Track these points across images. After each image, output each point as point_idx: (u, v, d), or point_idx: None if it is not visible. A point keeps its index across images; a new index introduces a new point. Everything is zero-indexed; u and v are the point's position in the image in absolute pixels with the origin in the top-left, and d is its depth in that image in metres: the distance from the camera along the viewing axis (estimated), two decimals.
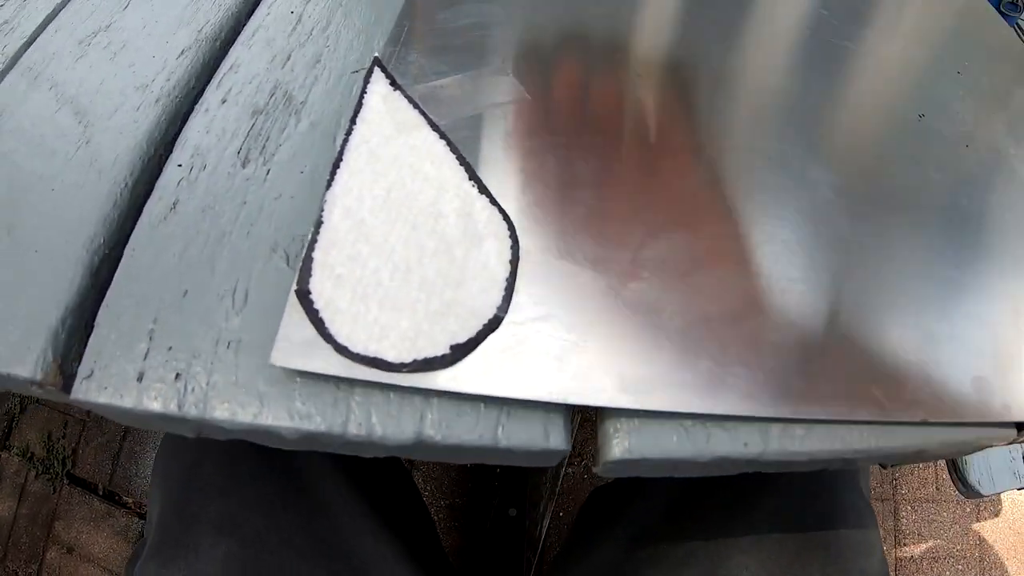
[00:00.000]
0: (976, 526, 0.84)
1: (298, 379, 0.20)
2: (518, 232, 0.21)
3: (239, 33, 0.31)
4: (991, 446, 0.24)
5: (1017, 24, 0.48)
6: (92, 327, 0.24)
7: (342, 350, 0.20)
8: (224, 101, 0.28)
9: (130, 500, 0.85)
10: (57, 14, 0.36)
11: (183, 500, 0.38)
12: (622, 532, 0.43)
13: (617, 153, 0.24)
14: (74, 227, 0.26)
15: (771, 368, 0.21)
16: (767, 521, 0.36)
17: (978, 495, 0.51)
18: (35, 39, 0.35)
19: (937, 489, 0.85)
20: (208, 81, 0.30)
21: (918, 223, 0.25)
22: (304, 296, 0.21)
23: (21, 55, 0.34)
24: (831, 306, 0.22)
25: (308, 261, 0.21)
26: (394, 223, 0.22)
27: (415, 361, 0.19)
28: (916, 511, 0.84)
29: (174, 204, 0.25)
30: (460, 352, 0.19)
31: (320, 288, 0.21)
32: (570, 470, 0.82)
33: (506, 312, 0.20)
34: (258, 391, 0.21)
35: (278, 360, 0.20)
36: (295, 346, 0.20)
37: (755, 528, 0.36)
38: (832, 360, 0.21)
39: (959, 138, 0.28)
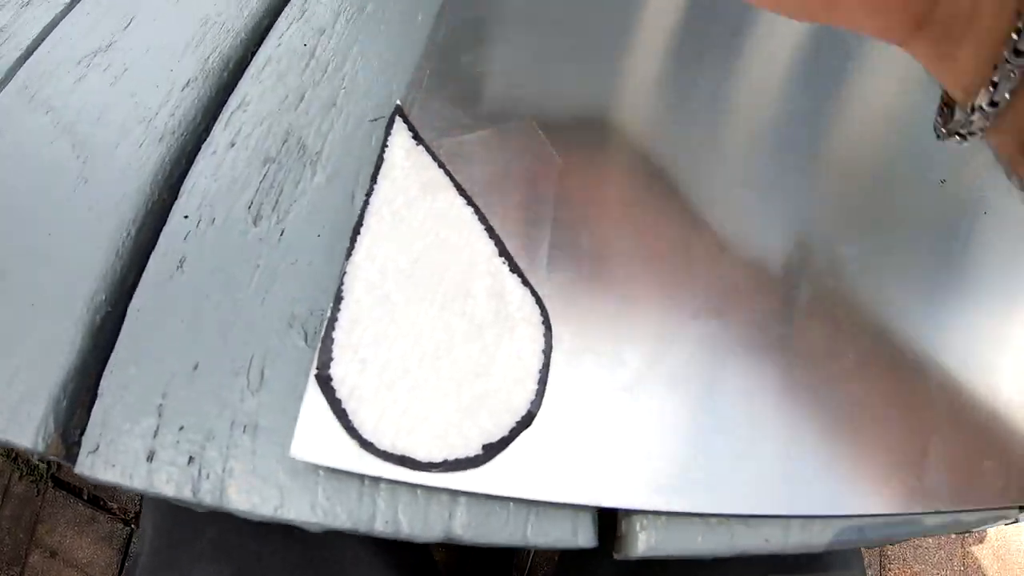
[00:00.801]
0: (961, 552, 0.84)
1: (320, 471, 0.18)
2: (550, 316, 0.19)
3: (248, 64, 0.28)
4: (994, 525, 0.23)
5: None
6: (95, 394, 0.21)
7: (368, 446, 0.18)
8: (233, 144, 0.25)
9: (115, 506, 0.81)
10: (57, 24, 0.32)
11: (176, 525, 0.36)
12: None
13: (651, 227, 0.22)
14: (73, 279, 0.23)
15: (789, 467, 0.19)
16: None
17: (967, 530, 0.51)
18: (32, 52, 0.31)
19: None
20: (215, 117, 0.27)
21: (941, 292, 0.24)
22: (325, 382, 0.18)
23: (17, 69, 0.30)
24: (840, 405, 0.21)
25: (328, 342, 0.19)
26: (421, 301, 0.19)
27: (446, 461, 0.17)
28: None
29: (181, 261, 0.22)
30: (492, 451, 0.18)
31: (343, 373, 0.19)
32: None
33: (539, 407, 0.18)
34: (278, 483, 0.19)
35: (298, 454, 0.18)
36: (316, 439, 0.18)
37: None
38: (841, 456, 0.19)
39: (977, 203, 0.26)
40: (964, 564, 0.84)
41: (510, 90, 0.25)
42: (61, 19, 0.33)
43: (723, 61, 0.27)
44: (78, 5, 0.33)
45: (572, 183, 0.22)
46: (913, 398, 0.21)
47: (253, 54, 0.29)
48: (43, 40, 0.32)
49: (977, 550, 0.85)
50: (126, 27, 0.31)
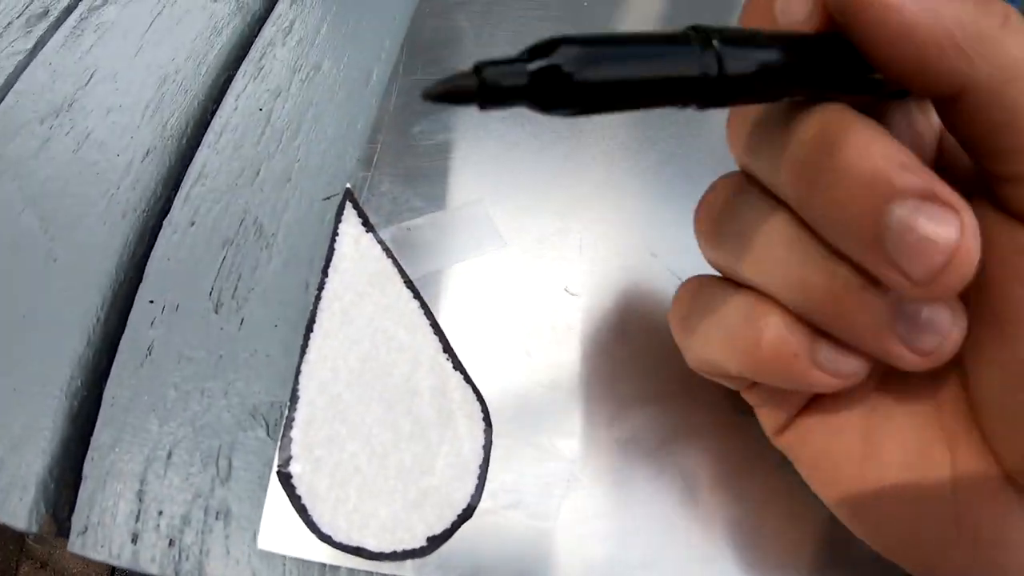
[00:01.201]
0: None
1: (287, 557, 0.20)
2: (491, 412, 0.21)
3: (206, 128, 0.28)
4: None
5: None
6: (80, 475, 0.23)
7: (326, 538, 0.19)
8: (193, 223, 0.26)
9: None
10: (20, 73, 0.32)
11: None
12: None
13: (599, 316, 0.23)
14: (50, 363, 0.24)
15: (740, 547, 0.20)
16: None
17: None
18: None
19: None
20: (176, 188, 0.27)
21: None
22: (286, 480, 0.20)
23: None
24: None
25: (287, 441, 0.20)
26: (370, 401, 0.21)
27: (394, 552, 0.19)
28: None
29: (149, 348, 0.24)
30: (436, 543, 0.19)
31: (301, 471, 0.20)
32: None
33: (479, 500, 0.20)
34: (250, 564, 0.20)
35: (265, 545, 0.20)
36: (280, 532, 0.20)
37: None
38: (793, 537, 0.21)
39: None
40: None
41: (461, 164, 0.25)
42: (23, 69, 0.33)
43: (688, 131, 0.27)
44: (39, 54, 0.33)
45: (514, 268, 0.23)
46: None
47: (213, 112, 0.29)
48: (7, 92, 0.32)
49: None
50: (87, 83, 0.31)
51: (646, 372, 0.22)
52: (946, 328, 0.12)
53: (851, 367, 0.13)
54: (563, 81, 0.10)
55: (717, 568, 0.20)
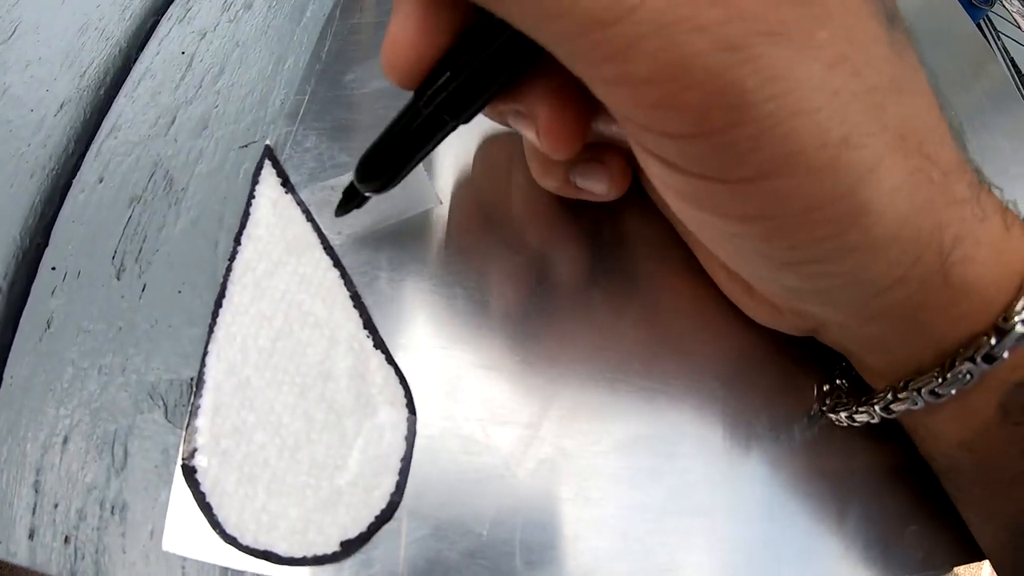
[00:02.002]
0: None
1: (187, 559, 0.18)
2: (415, 398, 0.17)
3: (127, 75, 0.25)
4: None
5: (987, 17, 0.41)
6: None
7: (231, 540, 0.17)
8: (101, 180, 0.22)
9: None
10: None
11: None
12: None
13: (541, 288, 0.19)
14: None
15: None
16: None
17: None
18: None
19: None
20: (89, 144, 0.24)
21: None
22: (190, 474, 0.17)
23: None
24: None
25: (192, 431, 0.17)
26: (280, 385, 0.18)
27: (305, 558, 0.16)
28: None
29: (48, 322, 0.21)
30: (351, 547, 0.16)
31: (206, 464, 0.17)
32: None
33: (401, 497, 0.17)
34: (147, 565, 0.18)
35: (170, 547, 0.17)
36: (185, 532, 0.17)
37: None
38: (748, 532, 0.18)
39: None
40: None
41: (394, 114, 0.22)
42: None
43: None
44: None
45: (449, 232, 0.20)
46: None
47: (136, 60, 0.26)
48: None
49: None
50: (10, 37, 0.27)
51: (585, 352, 0.19)
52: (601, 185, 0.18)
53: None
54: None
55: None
